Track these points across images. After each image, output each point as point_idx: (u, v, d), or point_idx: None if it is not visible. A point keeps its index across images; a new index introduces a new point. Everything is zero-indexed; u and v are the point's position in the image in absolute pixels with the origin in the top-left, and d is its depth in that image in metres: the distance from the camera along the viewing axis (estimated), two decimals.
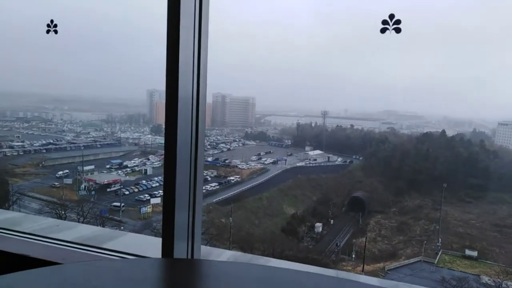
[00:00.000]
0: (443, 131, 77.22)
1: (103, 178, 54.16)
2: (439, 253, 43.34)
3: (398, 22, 3.08)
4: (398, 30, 3.08)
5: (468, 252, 43.20)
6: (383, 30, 3.09)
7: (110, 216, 43.66)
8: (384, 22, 3.08)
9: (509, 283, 34.42)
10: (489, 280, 34.69)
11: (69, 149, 62.99)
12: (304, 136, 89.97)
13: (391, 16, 3.08)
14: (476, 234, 48.85)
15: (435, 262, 41.19)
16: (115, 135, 79.09)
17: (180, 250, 2.63)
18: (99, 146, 68.60)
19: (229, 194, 55.29)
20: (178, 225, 2.61)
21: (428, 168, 63.40)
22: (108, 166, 60.63)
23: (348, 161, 76.66)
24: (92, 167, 57.61)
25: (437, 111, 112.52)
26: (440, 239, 46.03)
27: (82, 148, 62.35)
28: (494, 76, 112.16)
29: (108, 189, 51.65)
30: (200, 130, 2.73)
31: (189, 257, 2.71)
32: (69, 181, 52.86)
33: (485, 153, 68.58)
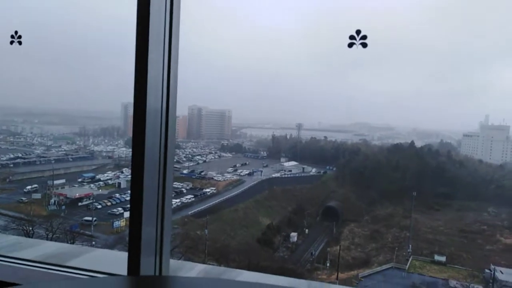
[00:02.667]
0: (412, 142, 79.94)
1: (74, 192, 52.56)
2: (410, 259, 44.53)
3: (364, 37, 3.20)
4: (364, 45, 3.20)
5: (437, 257, 44.62)
6: (350, 45, 3.21)
7: (81, 231, 42.27)
8: (351, 37, 3.21)
9: (475, 286, 35.73)
10: (457, 284, 35.92)
11: (38, 163, 60.81)
12: (279, 148, 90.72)
13: (358, 32, 3.19)
14: (444, 240, 50.53)
15: (406, 268, 42.24)
16: (87, 148, 77.01)
17: (147, 266, 2.51)
18: (70, 159, 66.67)
19: (204, 206, 54.83)
20: (145, 240, 2.49)
21: (399, 177, 65.28)
22: (80, 180, 58.85)
23: (322, 171, 77.74)
24: (63, 181, 55.81)
25: (407, 123, 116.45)
26: (410, 246, 47.34)
27: (53, 161, 60.34)
28: (460, 92, 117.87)
29: (80, 203, 50.11)
30: (169, 142, 2.63)
31: (157, 273, 2.59)
32: (38, 196, 50.86)
33: (452, 163, 71.47)
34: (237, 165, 78.04)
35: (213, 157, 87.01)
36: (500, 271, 37.25)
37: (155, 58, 2.62)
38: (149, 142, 2.61)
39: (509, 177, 68.09)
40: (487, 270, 39.50)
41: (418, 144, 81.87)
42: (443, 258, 44.25)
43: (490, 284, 36.12)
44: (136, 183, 2.59)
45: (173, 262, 3.78)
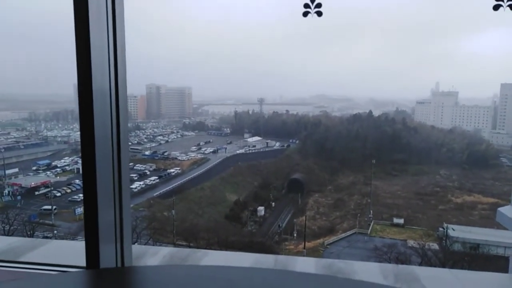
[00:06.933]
0: (370, 112, 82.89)
1: (30, 181, 50.03)
2: (371, 224, 47.01)
3: (319, 5, 3.07)
4: (319, 14, 3.05)
5: (395, 220, 47.46)
6: (305, 14, 3.06)
7: (41, 221, 40.54)
8: (306, 5, 3.06)
9: (430, 244, 38.44)
10: (414, 243, 38.39)
11: None
12: (242, 124, 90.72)
13: (312, 0, 3.09)
14: (402, 203, 53.73)
15: (368, 233, 44.64)
16: (40, 134, 73.15)
17: (107, 256, 2.36)
18: (22, 147, 63.07)
19: (170, 187, 54.24)
20: (103, 227, 2.34)
21: (359, 147, 67.87)
22: (34, 168, 56.09)
23: (285, 145, 79.05)
24: (15, 170, 52.92)
25: (364, 93, 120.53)
26: (371, 211, 49.89)
27: (2, 150, 56.72)
28: (413, 62, 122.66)
29: (37, 192, 47.87)
30: (121, 123, 2.44)
31: (119, 261, 2.44)
32: None
33: (407, 130, 75.10)
34: (201, 143, 77.41)
35: (175, 137, 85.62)
36: (452, 228, 40.28)
37: (98, 34, 2.36)
38: (98, 124, 2.41)
39: (458, 140, 72.79)
40: (440, 228, 42.60)
41: (376, 113, 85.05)
42: (401, 221, 47.14)
43: (444, 241, 38.98)
44: (88, 167, 2.40)
45: (136, 248, 3.65)
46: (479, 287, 2.92)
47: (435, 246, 37.61)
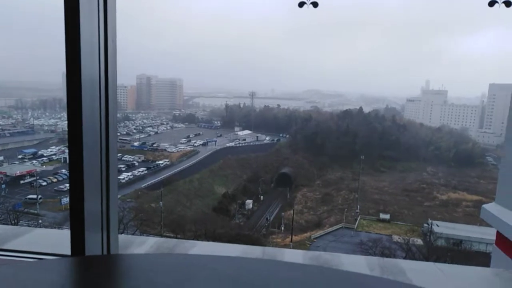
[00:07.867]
0: (361, 108, 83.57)
1: (15, 169, 49.29)
2: (358, 219, 47.65)
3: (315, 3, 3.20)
4: (315, 5, 3.18)
5: (382, 215, 48.20)
6: (301, 5, 3.18)
7: (26, 210, 40.00)
8: (301, 3, 3.19)
9: (415, 239, 39.11)
10: (399, 238, 39.02)
11: None
12: (233, 117, 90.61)
13: None
14: (388, 199, 54.49)
15: (355, 227, 45.24)
16: (26, 122, 71.95)
17: (93, 244, 2.36)
18: (8, 135, 62.04)
19: (158, 178, 53.98)
20: (89, 216, 2.33)
21: (348, 142, 68.39)
22: (20, 157, 55.33)
23: (275, 139, 79.32)
24: (0, 158, 52.17)
25: (356, 89, 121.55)
26: (358, 206, 50.53)
27: None
28: (404, 60, 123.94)
29: (22, 181, 47.21)
30: (110, 112, 2.42)
31: (105, 249, 2.46)
32: None
33: (396, 127, 75.95)
34: (191, 136, 77.13)
35: (165, 128, 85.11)
36: (436, 225, 41.04)
37: (88, 21, 2.32)
38: (86, 113, 2.37)
39: (446, 139, 73.91)
40: (425, 224, 43.38)
41: (366, 109, 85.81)
42: (387, 216, 47.86)
43: (428, 236, 39.71)
44: (75, 156, 2.37)
45: (123, 237, 3.62)
46: (463, 280, 2.99)
47: (419, 241, 38.30)
